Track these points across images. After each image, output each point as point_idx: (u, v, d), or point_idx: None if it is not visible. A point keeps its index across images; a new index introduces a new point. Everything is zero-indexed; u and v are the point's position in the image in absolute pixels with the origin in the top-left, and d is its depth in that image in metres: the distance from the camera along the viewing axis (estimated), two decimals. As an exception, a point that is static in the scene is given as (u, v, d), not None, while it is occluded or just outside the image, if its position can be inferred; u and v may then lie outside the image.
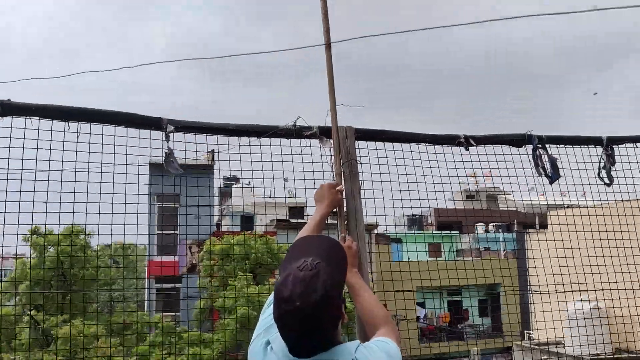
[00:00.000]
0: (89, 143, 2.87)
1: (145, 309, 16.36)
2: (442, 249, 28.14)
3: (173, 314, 15.85)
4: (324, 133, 2.89)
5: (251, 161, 3.04)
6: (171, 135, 2.83)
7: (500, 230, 29.72)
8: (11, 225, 2.85)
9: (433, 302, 21.11)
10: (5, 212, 2.77)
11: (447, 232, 29.08)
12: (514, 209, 26.59)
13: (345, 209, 2.62)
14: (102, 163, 2.97)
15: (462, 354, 19.51)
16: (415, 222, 33.37)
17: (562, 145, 3.22)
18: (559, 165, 3.16)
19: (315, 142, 2.89)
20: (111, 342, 13.00)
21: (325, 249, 1.84)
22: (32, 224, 3.06)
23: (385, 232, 18.48)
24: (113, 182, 3.08)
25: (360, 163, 2.78)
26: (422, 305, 23.14)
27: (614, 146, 3.23)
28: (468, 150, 3.05)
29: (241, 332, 13.06)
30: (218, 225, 26.21)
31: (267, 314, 1.91)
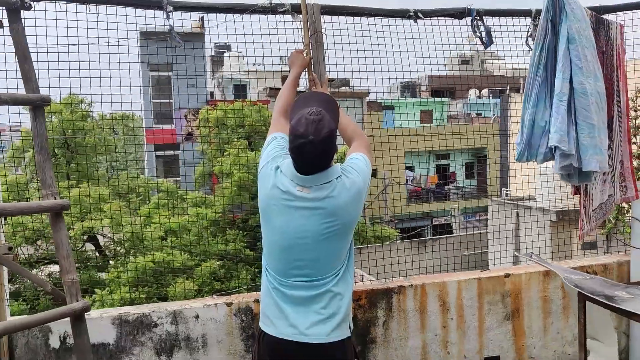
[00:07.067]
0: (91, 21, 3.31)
1: (146, 175, 17.15)
2: (434, 115, 28.73)
3: (174, 179, 16.59)
4: (295, 10, 3.42)
5: (243, 33, 3.57)
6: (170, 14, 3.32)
7: (491, 95, 30.00)
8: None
9: (419, 166, 22.08)
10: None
11: (439, 98, 29.50)
12: (504, 75, 26.73)
13: (313, 70, 3.23)
14: (99, 35, 3.43)
15: (447, 212, 20.84)
16: (408, 89, 33.60)
17: (497, 17, 3.72)
18: (492, 33, 3.67)
19: (288, 17, 3.43)
20: (120, 203, 13.86)
21: (323, 100, 2.49)
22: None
23: (377, 100, 18.87)
24: (108, 53, 3.55)
25: (326, 35, 3.32)
26: (410, 169, 24.20)
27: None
28: (417, 22, 3.56)
29: (239, 194, 13.90)
30: (212, 94, 26.39)
31: (268, 150, 2.54)
